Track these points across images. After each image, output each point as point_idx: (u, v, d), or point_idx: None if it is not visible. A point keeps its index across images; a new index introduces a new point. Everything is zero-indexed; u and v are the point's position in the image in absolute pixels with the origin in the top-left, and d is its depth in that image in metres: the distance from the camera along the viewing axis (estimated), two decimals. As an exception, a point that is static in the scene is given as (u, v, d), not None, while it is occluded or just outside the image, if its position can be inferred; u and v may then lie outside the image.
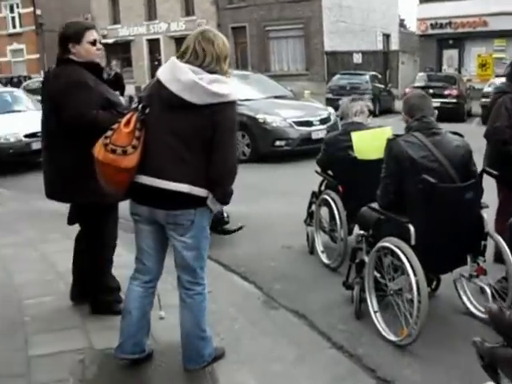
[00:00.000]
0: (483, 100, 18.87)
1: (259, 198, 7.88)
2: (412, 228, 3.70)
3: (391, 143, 3.82)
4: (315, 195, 5.75)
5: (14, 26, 42.94)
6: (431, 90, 19.85)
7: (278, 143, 11.71)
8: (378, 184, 5.06)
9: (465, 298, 4.22)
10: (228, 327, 4.08)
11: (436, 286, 4.42)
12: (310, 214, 5.83)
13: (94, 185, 3.37)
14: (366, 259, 4.19)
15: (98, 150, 3.13)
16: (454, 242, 3.78)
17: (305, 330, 4.20)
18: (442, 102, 19.36)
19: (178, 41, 36.17)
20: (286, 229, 6.68)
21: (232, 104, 3.08)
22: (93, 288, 4.20)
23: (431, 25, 28.81)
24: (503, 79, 5.04)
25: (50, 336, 3.95)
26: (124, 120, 3.13)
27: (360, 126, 5.20)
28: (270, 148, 11.71)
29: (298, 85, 25.13)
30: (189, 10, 35.97)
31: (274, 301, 4.70)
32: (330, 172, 5.55)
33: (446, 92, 20.03)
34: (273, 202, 8.03)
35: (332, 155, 5.26)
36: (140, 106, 3.12)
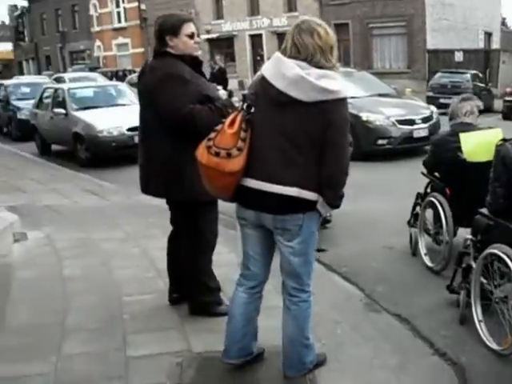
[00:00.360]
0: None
1: (361, 196, 7.80)
2: None
3: (499, 147, 3.69)
4: (420, 197, 5.64)
5: (120, 21, 44.47)
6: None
7: (380, 142, 11.55)
8: (487, 187, 4.95)
9: None
10: (330, 331, 4.01)
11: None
12: (415, 216, 5.72)
13: (189, 182, 3.32)
14: (473, 264, 4.07)
15: (201, 153, 2.97)
16: None
17: (407, 334, 4.12)
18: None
19: (280, 36, 36.02)
20: (387, 229, 6.59)
21: (343, 101, 2.88)
22: (192, 288, 4.11)
23: (536, 23, 27.39)
24: None
25: (149, 336, 3.93)
26: (228, 120, 2.96)
27: (469, 127, 5.03)
28: (372, 147, 11.56)
29: (400, 83, 24.51)
30: (291, 6, 35.81)
31: (377, 303, 4.64)
32: (436, 174, 5.43)
33: (540, 92, 18.98)
34: (374, 201, 7.95)
35: (440, 156, 5.13)
36: (245, 105, 2.96)
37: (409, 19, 31.35)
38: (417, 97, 15.71)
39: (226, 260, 4.85)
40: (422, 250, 5.44)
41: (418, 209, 5.71)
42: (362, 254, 5.84)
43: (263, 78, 2.92)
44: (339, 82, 2.87)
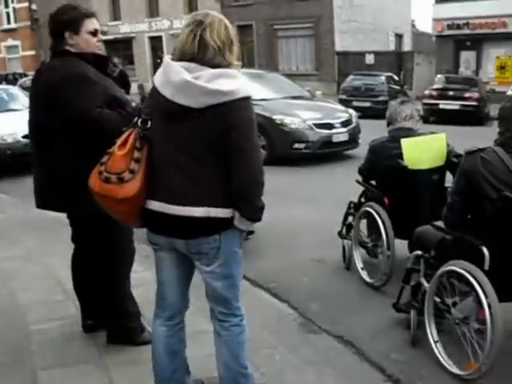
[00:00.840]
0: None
1: (280, 204, 7.41)
2: (486, 251, 3.24)
3: (467, 157, 3.37)
4: (354, 206, 5.30)
5: (9, 22, 42.49)
6: (451, 93, 19.54)
7: (296, 146, 11.21)
8: (429, 197, 4.66)
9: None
10: (267, 358, 3.62)
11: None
12: (347, 226, 5.38)
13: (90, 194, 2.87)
14: (424, 282, 3.76)
15: (94, 180, 2.69)
16: None
17: (353, 359, 3.76)
18: (462, 105, 19.13)
19: None
20: (313, 239, 6.25)
21: (244, 101, 2.53)
22: (109, 313, 3.70)
23: (448, 25, 28.25)
24: None
25: (62, 372, 3.46)
26: (119, 141, 2.68)
27: (410, 132, 4.73)
28: (289, 151, 11.23)
29: (308, 85, 24.72)
30: (192, 7, 35.47)
31: (313, 323, 4.26)
32: (373, 182, 5.09)
33: (467, 95, 19.44)
34: (295, 209, 7.60)
35: (378, 164, 4.77)
36: (139, 120, 2.65)
37: (316, 21, 31.66)
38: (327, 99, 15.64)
39: (143, 279, 4.31)
40: (359, 264, 5.09)
41: (350, 219, 5.37)
42: (290, 268, 5.44)
43: (154, 88, 2.63)
44: (238, 81, 2.55)
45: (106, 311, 3.69)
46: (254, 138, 2.58)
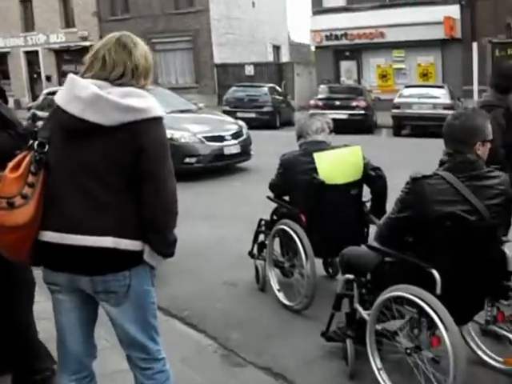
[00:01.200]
0: (394, 111, 19.01)
1: (180, 224, 6.89)
2: (437, 275, 3.02)
3: (413, 184, 3.11)
4: (266, 225, 5.04)
5: None
6: (337, 102, 19.86)
7: (188, 160, 10.88)
8: (347, 212, 4.49)
9: (473, 345, 3.65)
10: (195, 398, 3.27)
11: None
12: (259, 246, 5.11)
13: None
14: (360, 308, 3.52)
15: None
16: (479, 286, 3.20)
17: (287, 393, 3.49)
18: (349, 114, 19.45)
19: (58, 53, 35.11)
20: (222, 260, 5.95)
21: (156, 121, 2.33)
22: (14, 354, 3.23)
23: (326, 36, 28.87)
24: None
25: None
26: (12, 163, 2.39)
27: (323, 146, 4.55)
28: (180, 166, 10.74)
29: (188, 98, 24.64)
30: (69, 22, 34.71)
31: (236, 354, 3.96)
32: (286, 198, 4.85)
33: (354, 104, 19.83)
34: (197, 227, 7.23)
35: (292, 179, 4.52)
36: (35, 143, 2.38)
37: (194, 34, 31.77)
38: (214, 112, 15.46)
39: (45, 311, 3.81)
40: (275, 286, 4.83)
41: (262, 237, 5.12)
42: (201, 294, 5.10)
43: (57, 108, 2.39)
44: (149, 100, 2.35)
45: (10, 350, 3.22)
46: (166, 162, 2.35)
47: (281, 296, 4.74)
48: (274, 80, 28.85)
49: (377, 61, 28.30)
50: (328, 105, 19.74)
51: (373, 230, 4.58)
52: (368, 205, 4.68)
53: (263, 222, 5.11)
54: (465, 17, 25.97)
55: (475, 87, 24.29)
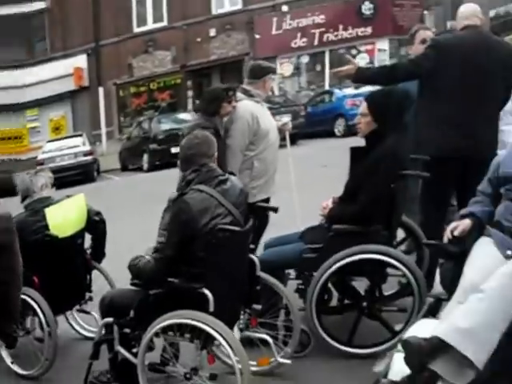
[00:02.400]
0: (39, 167, 18.53)
1: None
2: (209, 292, 3.21)
3: (176, 204, 3.29)
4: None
5: None
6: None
7: None
8: (73, 262, 4.48)
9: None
10: None
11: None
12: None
13: None
14: (122, 350, 3.52)
15: None
16: (237, 295, 3.52)
17: None
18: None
19: None
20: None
21: None
22: None
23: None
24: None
25: None
26: None
27: (50, 201, 4.51)
28: None
29: None
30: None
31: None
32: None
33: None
34: None
35: (25, 243, 4.17)
36: None
37: None
38: None
39: None
40: (8, 360, 4.46)
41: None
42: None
43: None
44: None
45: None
46: None
47: (16, 368, 4.41)
48: None
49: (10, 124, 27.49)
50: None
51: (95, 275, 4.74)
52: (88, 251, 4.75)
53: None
54: (91, 65, 26.99)
55: (103, 130, 25.35)
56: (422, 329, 2.82)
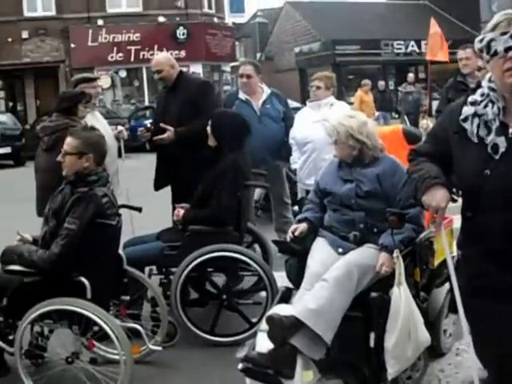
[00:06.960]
0: None
1: None
2: (86, 281, 3.52)
3: (88, 195, 3.61)
4: None
5: None
6: None
7: None
8: None
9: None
10: None
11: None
12: None
13: None
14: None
15: None
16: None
17: None
18: None
19: None
20: None
21: None
22: None
23: None
24: None
25: None
26: None
27: None
28: None
29: None
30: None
31: None
32: None
33: None
34: None
35: None
36: None
37: None
38: None
39: None
40: None
41: None
42: None
43: None
44: None
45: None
46: None
47: None
48: None
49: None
50: None
51: None
52: None
53: None
54: None
55: None
56: (280, 311, 3.38)
